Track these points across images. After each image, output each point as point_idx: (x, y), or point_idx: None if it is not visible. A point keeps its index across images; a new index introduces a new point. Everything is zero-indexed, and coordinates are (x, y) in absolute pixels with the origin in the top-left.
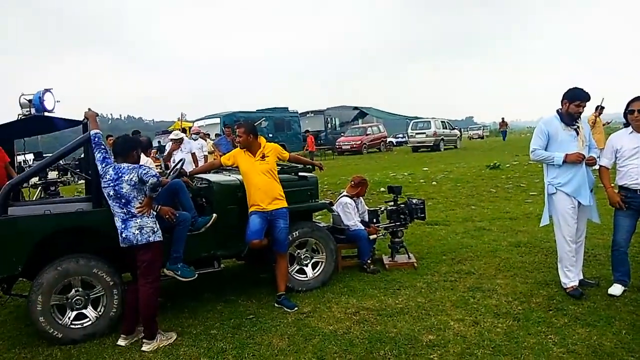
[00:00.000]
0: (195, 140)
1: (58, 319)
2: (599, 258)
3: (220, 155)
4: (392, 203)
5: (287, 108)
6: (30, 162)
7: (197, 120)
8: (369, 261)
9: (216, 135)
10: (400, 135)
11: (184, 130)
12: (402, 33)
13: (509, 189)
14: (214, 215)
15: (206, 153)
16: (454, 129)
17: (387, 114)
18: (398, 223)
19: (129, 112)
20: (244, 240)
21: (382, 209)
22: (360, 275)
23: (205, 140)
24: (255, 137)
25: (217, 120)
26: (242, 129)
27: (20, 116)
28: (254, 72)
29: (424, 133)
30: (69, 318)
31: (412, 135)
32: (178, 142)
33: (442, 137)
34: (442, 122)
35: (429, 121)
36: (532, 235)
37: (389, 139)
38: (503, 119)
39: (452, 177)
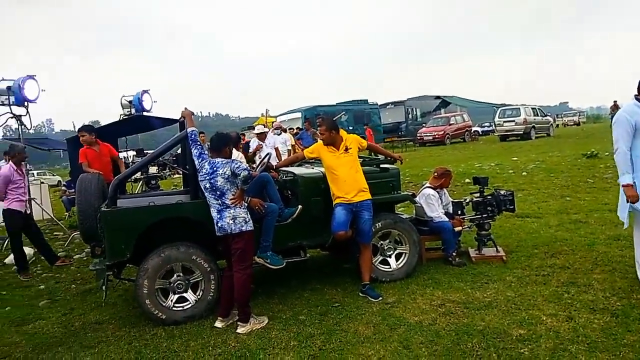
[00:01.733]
0: (279, 135)
1: (162, 302)
2: None
3: (302, 149)
4: (478, 194)
5: (366, 100)
6: (132, 159)
7: (279, 115)
8: (454, 254)
9: (298, 129)
10: (487, 124)
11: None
12: (488, 15)
13: (608, 179)
14: (300, 206)
15: (289, 147)
16: (546, 115)
17: (471, 102)
18: (485, 215)
19: (217, 109)
20: (328, 231)
21: (468, 200)
22: (445, 268)
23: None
24: (337, 132)
25: (299, 114)
26: (323, 127)
27: (122, 116)
28: (330, 64)
29: (513, 121)
30: (171, 301)
31: (499, 124)
32: (262, 136)
33: (532, 124)
34: (532, 108)
35: (519, 108)
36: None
37: (474, 128)
38: (615, 102)
39: (545, 167)
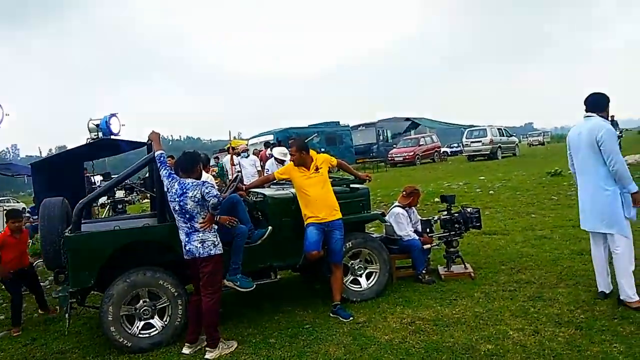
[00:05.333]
0: (246, 157)
1: (127, 329)
2: None
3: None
4: (445, 212)
5: (338, 122)
6: (99, 183)
7: (251, 138)
8: (424, 271)
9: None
10: (455, 145)
11: (234, 149)
12: (455, 38)
13: (572, 196)
14: (270, 227)
15: (259, 168)
16: (511, 136)
17: (440, 123)
18: (452, 232)
19: (188, 133)
20: (299, 252)
21: (436, 218)
22: (415, 286)
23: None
24: (307, 152)
25: (271, 137)
26: (293, 148)
27: (88, 140)
28: (304, 89)
29: (480, 141)
30: (137, 327)
31: (467, 144)
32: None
33: (499, 144)
34: (498, 129)
35: (485, 129)
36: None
37: (443, 149)
38: (612, 117)
39: (511, 186)
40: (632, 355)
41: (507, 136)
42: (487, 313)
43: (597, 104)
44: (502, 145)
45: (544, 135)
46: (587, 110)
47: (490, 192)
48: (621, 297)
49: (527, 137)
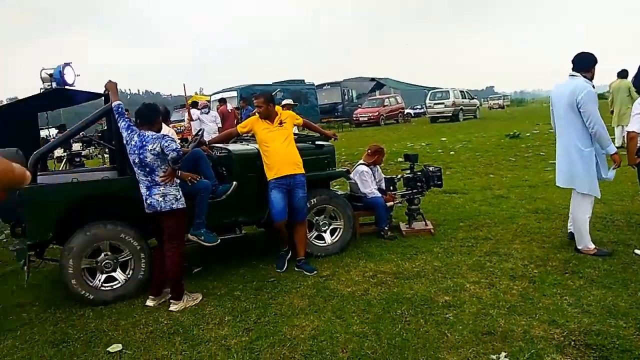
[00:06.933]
0: (207, 113)
1: (89, 282)
2: (617, 224)
3: None
4: (408, 171)
5: (303, 80)
6: (54, 136)
7: (214, 94)
8: (386, 228)
9: (237, 108)
10: (419, 106)
11: (195, 104)
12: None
13: (529, 158)
14: (234, 183)
15: (220, 125)
16: (473, 98)
17: (404, 84)
18: (415, 190)
19: (147, 87)
20: (264, 208)
21: (399, 177)
22: (377, 242)
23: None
24: (273, 106)
25: (235, 93)
26: (260, 99)
27: (42, 90)
28: (266, 45)
29: (443, 103)
30: (99, 280)
31: (430, 106)
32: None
33: (461, 107)
34: (461, 92)
35: (448, 91)
36: (550, 202)
37: (406, 110)
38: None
39: (471, 147)
40: (579, 307)
41: (469, 99)
42: (445, 267)
43: (583, 63)
44: (463, 108)
45: (504, 99)
46: (573, 69)
47: (451, 152)
48: (579, 247)
49: (487, 100)
